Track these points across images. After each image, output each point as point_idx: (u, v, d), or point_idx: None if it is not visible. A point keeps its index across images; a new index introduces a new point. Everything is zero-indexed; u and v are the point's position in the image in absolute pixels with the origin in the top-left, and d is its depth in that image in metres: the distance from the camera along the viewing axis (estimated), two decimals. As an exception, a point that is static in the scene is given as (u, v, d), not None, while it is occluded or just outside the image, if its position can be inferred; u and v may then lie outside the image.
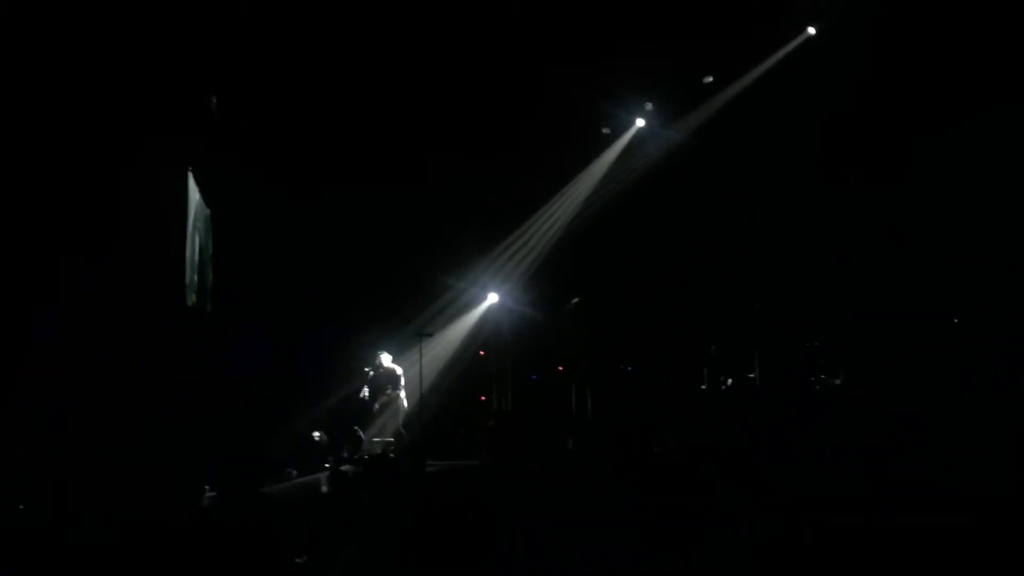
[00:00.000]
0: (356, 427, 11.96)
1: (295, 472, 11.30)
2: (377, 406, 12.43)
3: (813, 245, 12.17)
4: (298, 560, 4.99)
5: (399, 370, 12.49)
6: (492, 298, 14.25)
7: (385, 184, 12.86)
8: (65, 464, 7.54)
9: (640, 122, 14.02)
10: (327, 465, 10.21)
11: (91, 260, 8.80)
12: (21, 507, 6.64)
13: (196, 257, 10.39)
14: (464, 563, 4.21)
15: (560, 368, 14.13)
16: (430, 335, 12.94)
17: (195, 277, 10.38)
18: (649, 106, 13.88)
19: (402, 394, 12.40)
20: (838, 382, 11.25)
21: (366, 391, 12.36)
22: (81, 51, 8.89)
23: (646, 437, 11.78)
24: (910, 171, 11.65)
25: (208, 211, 10.87)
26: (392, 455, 10.49)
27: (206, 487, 8.59)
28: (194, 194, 10.27)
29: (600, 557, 4.62)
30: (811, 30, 12.88)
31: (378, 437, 12.15)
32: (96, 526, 5.44)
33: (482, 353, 14.56)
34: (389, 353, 12.56)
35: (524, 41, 12.09)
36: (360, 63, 11.70)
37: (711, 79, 13.14)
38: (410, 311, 13.28)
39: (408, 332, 12.84)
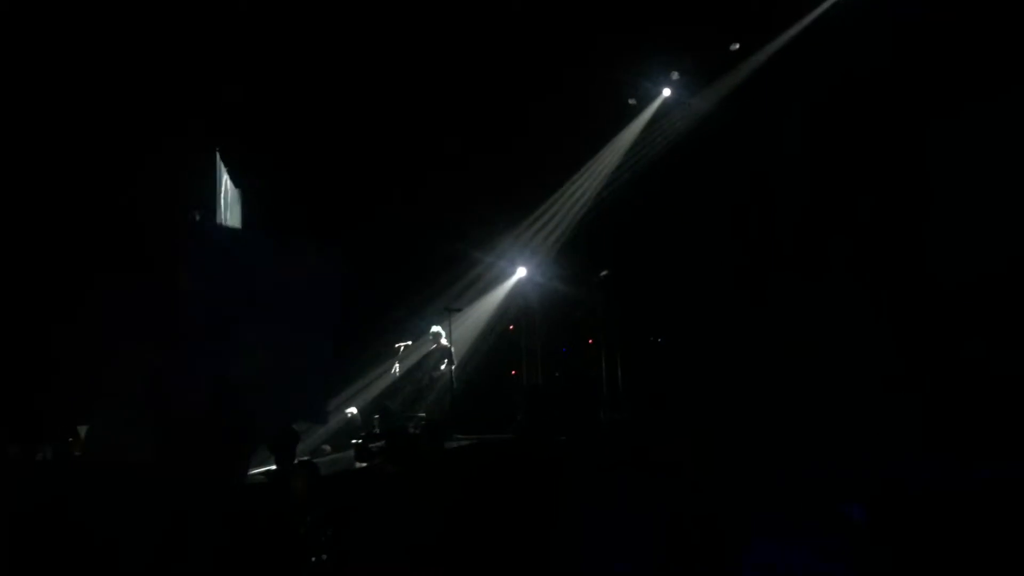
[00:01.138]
0: (387, 403, 12.06)
1: (328, 448, 11.47)
2: (428, 379, 12.45)
3: (843, 212, 11.98)
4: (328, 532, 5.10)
5: (452, 347, 12.55)
6: (520, 272, 14.28)
7: (411, 159, 12.88)
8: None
9: (666, 92, 13.87)
10: (355, 441, 10.33)
11: (122, 243, 8.93)
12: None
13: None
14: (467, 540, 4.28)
15: (590, 341, 14.13)
16: (459, 310, 12.98)
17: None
18: (675, 75, 13.71)
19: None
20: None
21: (396, 368, 12.44)
22: (110, 33, 9.01)
23: (676, 409, 11.82)
24: (948, 137, 11.33)
25: (237, 190, 10.97)
26: (414, 431, 10.54)
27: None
28: (222, 173, 10.37)
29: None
30: (840, -7, 12.60)
31: (409, 412, 12.25)
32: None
33: (511, 328, 14.61)
34: (408, 337, 12.60)
35: (549, 11, 11.99)
36: (384, 32, 11.68)
37: (737, 46, 12.92)
38: (438, 286, 13.33)
39: (437, 307, 12.90)
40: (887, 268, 11.40)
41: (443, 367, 12.15)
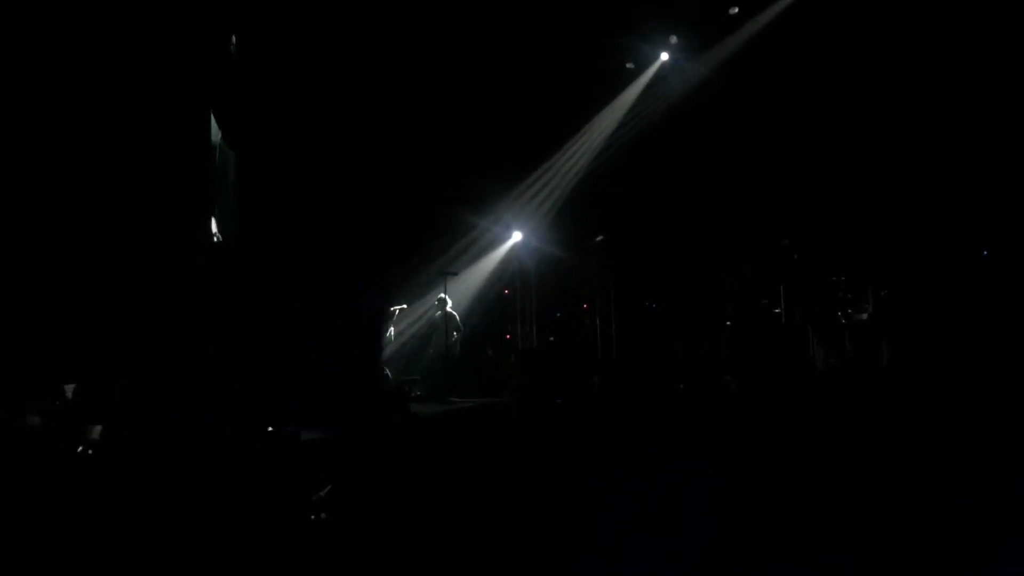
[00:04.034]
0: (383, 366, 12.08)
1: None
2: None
3: (839, 180, 11.98)
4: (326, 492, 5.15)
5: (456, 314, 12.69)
6: (516, 237, 14.27)
7: (407, 121, 12.78)
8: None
9: (664, 56, 13.76)
10: None
11: (118, 213, 8.84)
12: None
13: (222, 199, 10.44)
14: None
15: (585, 306, 14.17)
16: (455, 274, 12.99)
17: (221, 220, 10.44)
18: (674, 39, 13.59)
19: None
20: (864, 317, 11.17)
21: (391, 332, 12.45)
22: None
23: (670, 375, 11.87)
24: (946, 102, 11.27)
25: (231, 152, 10.88)
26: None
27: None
28: (216, 136, 10.27)
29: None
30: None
31: (403, 377, 12.27)
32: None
33: (507, 292, 14.63)
34: (404, 300, 12.63)
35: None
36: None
37: (736, 10, 12.81)
38: (434, 250, 13.32)
39: (432, 271, 12.90)
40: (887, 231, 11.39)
41: (455, 335, 12.36)
